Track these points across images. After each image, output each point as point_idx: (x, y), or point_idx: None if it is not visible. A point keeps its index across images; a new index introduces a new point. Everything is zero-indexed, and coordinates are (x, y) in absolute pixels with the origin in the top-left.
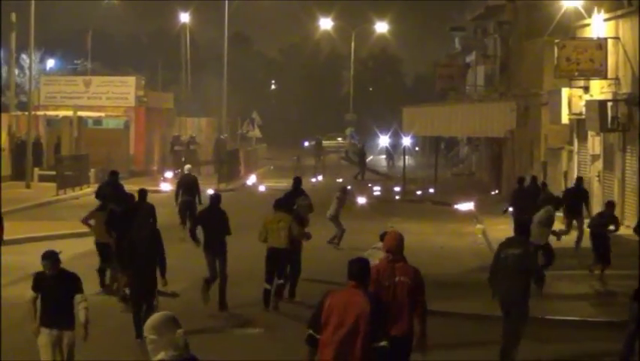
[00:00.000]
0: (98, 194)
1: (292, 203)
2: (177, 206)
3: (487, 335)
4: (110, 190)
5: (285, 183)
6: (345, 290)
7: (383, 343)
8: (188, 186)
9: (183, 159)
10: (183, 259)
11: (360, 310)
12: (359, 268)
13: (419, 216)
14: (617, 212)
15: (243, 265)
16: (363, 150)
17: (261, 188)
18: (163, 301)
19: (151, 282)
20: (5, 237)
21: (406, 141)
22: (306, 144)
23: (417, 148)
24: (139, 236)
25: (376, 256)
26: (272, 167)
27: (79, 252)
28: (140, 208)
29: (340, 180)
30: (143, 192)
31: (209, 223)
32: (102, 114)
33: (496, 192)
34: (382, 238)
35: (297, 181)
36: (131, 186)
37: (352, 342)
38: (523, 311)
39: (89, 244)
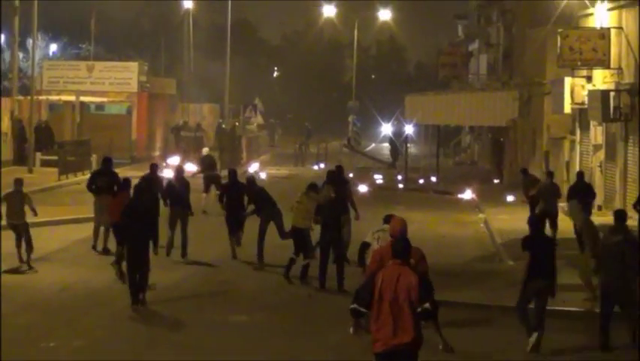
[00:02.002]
0: (90, 185)
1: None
2: (202, 179)
3: (488, 324)
4: (105, 180)
5: (287, 171)
6: (392, 267)
7: (426, 305)
8: (210, 165)
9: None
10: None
11: (410, 283)
12: (402, 248)
13: (421, 205)
14: (618, 202)
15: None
16: (392, 138)
17: (262, 175)
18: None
19: (144, 254)
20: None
21: (409, 129)
22: None
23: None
24: (135, 213)
25: (383, 238)
26: (274, 154)
27: (80, 237)
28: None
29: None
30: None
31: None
32: (104, 100)
33: (498, 181)
34: (386, 220)
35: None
36: (133, 172)
37: (404, 311)
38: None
39: (89, 229)
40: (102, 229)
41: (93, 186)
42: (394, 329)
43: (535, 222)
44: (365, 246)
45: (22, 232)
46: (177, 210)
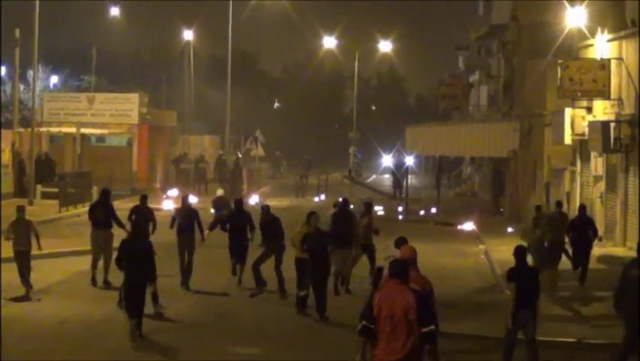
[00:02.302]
0: (90, 216)
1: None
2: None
3: (488, 356)
4: (102, 212)
5: (288, 202)
6: (390, 286)
7: (431, 327)
8: (221, 207)
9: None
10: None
11: (407, 301)
12: (400, 268)
13: (422, 237)
14: (618, 233)
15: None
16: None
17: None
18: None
19: (141, 290)
20: (7, 254)
21: (409, 160)
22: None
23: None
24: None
25: None
26: (275, 186)
27: (80, 269)
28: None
29: (340, 199)
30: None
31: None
32: (105, 131)
33: (500, 212)
34: (397, 244)
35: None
36: (134, 204)
37: (401, 330)
38: None
39: (90, 261)
40: (101, 261)
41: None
42: (389, 347)
43: (519, 253)
44: (380, 270)
45: (24, 260)
46: (184, 238)
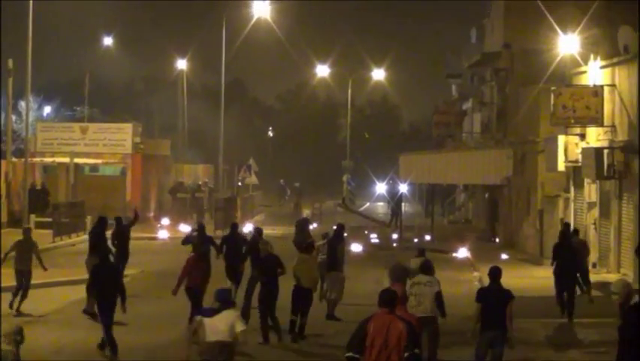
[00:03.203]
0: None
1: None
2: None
3: None
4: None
5: (282, 231)
6: (381, 316)
7: (416, 350)
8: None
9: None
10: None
11: (400, 331)
12: (390, 297)
13: None
14: (612, 259)
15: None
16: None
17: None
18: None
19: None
20: (2, 284)
21: (403, 188)
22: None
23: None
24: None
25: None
26: (268, 214)
27: (75, 299)
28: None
29: (335, 227)
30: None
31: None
32: (99, 161)
33: (495, 240)
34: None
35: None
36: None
37: (392, 358)
38: None
39: (84, 290)
40: None
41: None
42: None
43: (493, 274)
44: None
45: (24, 279)
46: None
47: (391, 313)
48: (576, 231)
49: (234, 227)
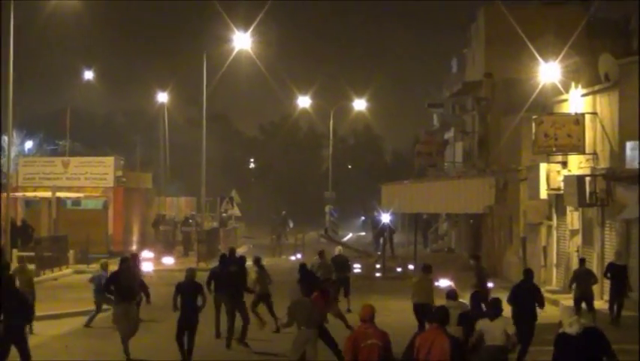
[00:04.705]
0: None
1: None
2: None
3: None
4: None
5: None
6: (430, 331)
7: None
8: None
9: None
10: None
11: (443, 347)
12: (443, 314)
13: (400, 293)
14: (596, 286)
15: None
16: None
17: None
18: None
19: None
20: None
21: (386, 218)
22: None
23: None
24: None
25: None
26: (251, 245)
27: (56, 333)
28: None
29: (318, 255)
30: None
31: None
32: (81, 195)
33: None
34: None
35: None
36: (111, 267)
37: None
38: None
39: (66, 324)
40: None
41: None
42: None
43: (474, 298)
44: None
45: None
46: (221, 295)
47: (440, 328)
48: (582, 260)
49: (223, 257)
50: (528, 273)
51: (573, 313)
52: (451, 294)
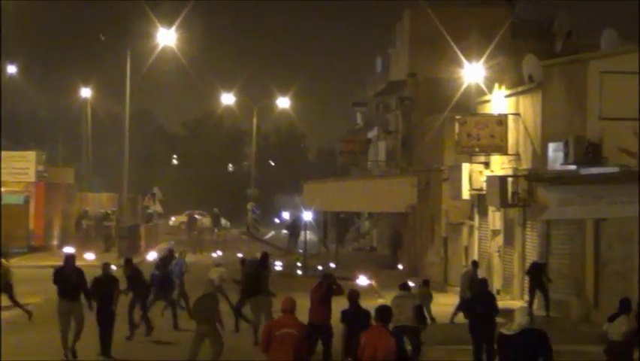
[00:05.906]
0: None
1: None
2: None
3: None
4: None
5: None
6: (374, 329)
7: None
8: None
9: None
10: None
11: (388, 344)
12: (385, 312)
13: None
14: (516, 286)
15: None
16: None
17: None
18: None
19: None
20: None
21: (308, 216)
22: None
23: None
24: None
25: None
26: (172, 242)
27: None
28: None
29: (240, 254)
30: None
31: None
32: (1, 189)
33: (398, 266)
34: (402, 287)
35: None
36: (31, 262)
37: None
38: None
39: None
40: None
41: None
42: None
43: (353, 296)
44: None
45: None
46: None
47: (384, 326)
48: (475, 263)
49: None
50: (484, 282)
51: (526, 313)
52: (405, 285)
